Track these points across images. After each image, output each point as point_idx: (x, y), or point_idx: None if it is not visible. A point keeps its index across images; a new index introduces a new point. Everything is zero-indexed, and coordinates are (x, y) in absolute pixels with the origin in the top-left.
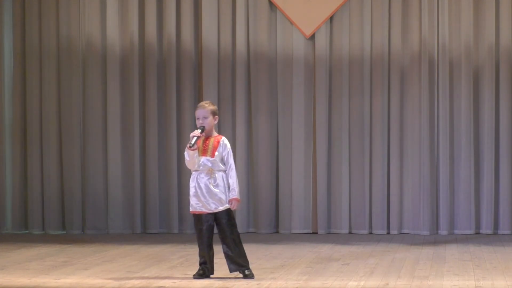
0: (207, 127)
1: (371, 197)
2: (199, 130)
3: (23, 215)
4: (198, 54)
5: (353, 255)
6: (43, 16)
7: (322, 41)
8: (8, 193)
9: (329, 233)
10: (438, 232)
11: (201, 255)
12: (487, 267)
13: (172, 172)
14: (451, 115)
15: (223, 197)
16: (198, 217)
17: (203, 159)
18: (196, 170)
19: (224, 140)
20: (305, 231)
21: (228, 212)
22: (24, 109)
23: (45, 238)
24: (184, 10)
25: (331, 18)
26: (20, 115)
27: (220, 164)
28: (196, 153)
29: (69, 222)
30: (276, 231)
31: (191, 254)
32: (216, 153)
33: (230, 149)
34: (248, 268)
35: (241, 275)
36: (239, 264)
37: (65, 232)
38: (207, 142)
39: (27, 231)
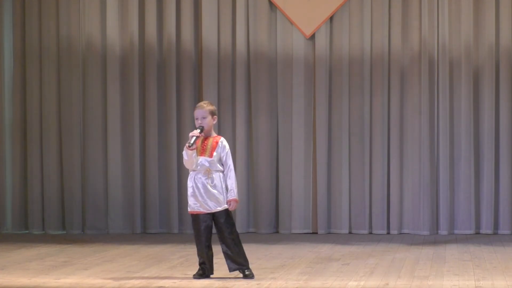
0: (205, 127)
1: (371, 197)
2: (198, 130)
3: (23, 215)
4: (198, 54)
5: (353, 255)
6: (43, 16)
7: (322, 41)
8: (8, 193)
9: (329, 233)
10: (438, 232)
11: (199, 255)
12: (487, 267)
13: (172, 172)
14: (451, 115)
15: (220, 197)
16: (196, 217)
17: (201, 159)
18: (193, 170)
19: (223, 141)
20: (305, 231)
21: (227, 211)
22: (24, 109)
23: (45, 238)
24: (184, 10)
25: (331, 18)
26: (20, 115)
27: (218, 165)
28: (194, 152)
29: (69, 222)
30: (276, 231)
31: (191, 254)
32: (215, 153)
33: (229, 150)
34: (248, 268)
35: (241, 275)
36: (239, 263)
37: (65, 232)
38: (205, 142)
39: (27, 231)
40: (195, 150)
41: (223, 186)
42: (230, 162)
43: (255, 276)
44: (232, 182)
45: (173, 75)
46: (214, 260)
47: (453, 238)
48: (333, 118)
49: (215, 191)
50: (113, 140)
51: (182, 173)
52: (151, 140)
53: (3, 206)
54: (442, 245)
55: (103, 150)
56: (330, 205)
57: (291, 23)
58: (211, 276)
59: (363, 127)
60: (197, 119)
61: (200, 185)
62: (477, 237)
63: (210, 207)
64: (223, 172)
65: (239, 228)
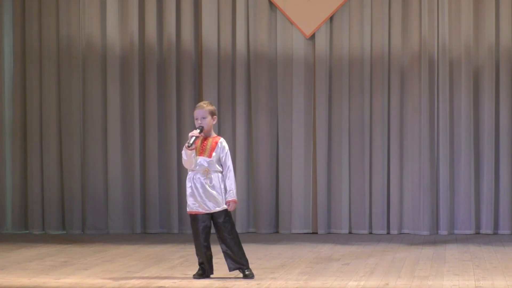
0: (205, 127)
1: (371, 197)
2: (198, 130)
3: (23, 215)
4: (198, 54)
5: (353, 255)
6: (43, 16)
7: (322, 41)
8: (8, 193)
9: (329, 233)
10: (438, 232)
11: (198, 255)
12: (487, 267)
13: (172, 172)
14: (451, 115)
15: (219, 198)
16: (194, 217)
17: (200, 159)
18: (192, 170)
19: (222, 141)
20: (305, 231)
21: (226, 212)
22: (24, 109)
23: (45, 238)
24: (184, 10)
25: (331, 18)
26: (20, 115)
27: (217, 165)
28: (193, 152)
29: (69, 222)
30: (276, 231)
31: (191, 254)
32: (214, 153)
33: (228, 151)
34: (248, 268)
35: (241, 275)
36: (239, 263)
37: (65, 232)
38: (205, 142)
39: (27, 231)
40: (194, 150)
41: (222, 187)
42: (229, 162)
43: (255, 276)
44: (231, 183)
45: (173, 75)
46: (214, 260)
47: (453, 238)
48: (333, 118)
49: (213, 192)
50: (113, 140)
51: (182, 173)
52: (151, 140)
53: (3, 206)
54: (442, 245)
55: (103, 150)
56: (330, 205)
57: (291, 23)
58: (211, 276)
59: (363, 127)
60: (197, 119)
61: (198, 185)
62: (477, 237)
63: (209, 207)
64: (221, 172)
65: (239, 228)
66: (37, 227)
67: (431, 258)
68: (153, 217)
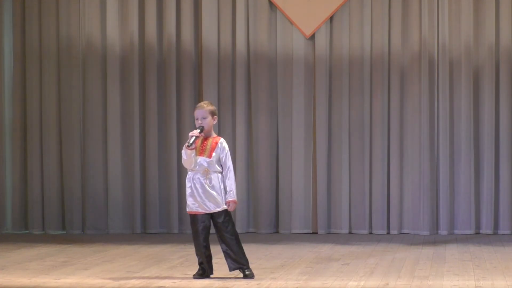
0: (205, 127)
1: (371, 197)
2: (198, 130)
3: (23, 215)
4: (198, 54)
5: (353, 255)
6: (43, 16)
7: (322, 41)
8: (8, 193)
9: (329, 233)
10: (438, 232)
11: (197, 255)
12: (487, 267)
13: (172, 172)
14: (451, 115)
15: (219, 198)
16: (193, 217)
17: (200, 159)
18: (192, 170)
19: (222, 142)
20: (305, 231)
21: (225, 212)
22: (24, 109)
23: (45, 238)
24: (184, 10)
25: (331, 18)
26: (20, 115)
27: (217, 166)
28: (193, 152)
29: (69, 222)
30: (276, 231)
31: (191, 254)
32: (214, 154)
33: (228, 151)
34: (248, 268)
35: (241, 275)
36: (239, 263)
37: (65, 232)
38: (205, 142)
39: (27, 231)
40: (194, 150)
41: (222, 187)
42: (229, 163)
43: (255, 276)
44: (231, 183)
45: (173, 75)
46: (214, 260)
47: (453, 238)
48: (333, 118)
49: (213, 192)
50: (113, 140)
51: (182, 173)
52: (151, 140)
53: (3, 206)
54: (442, 245)
55: (103, 150)
56: (330, 205)
57: (291, 23)
58: (211, 276)
59: (363, 127)
60: (197, 119)
61: (198, 186)
62: (477, 237)
63: (208, 207)
64: (221, 173)
65: (239, 228)
66: (37, 227)
67: (431, 258)
68: (153, 217)
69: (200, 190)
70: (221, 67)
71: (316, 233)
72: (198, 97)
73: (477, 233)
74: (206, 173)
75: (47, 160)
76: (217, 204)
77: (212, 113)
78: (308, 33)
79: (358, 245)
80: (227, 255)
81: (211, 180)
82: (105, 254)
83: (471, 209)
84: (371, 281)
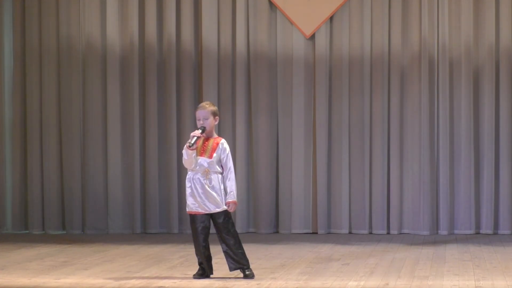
0: (207, 128)
1: (371, 197)
2: (200, 131)
3: (23, 215)
4: (198, 54)
5: (353, 255)
6: (43, 16)
7: (322, 41)
8: (8, 193)
9: (329, 233)
10: (438, 232)
11: (197, 255)
12: (487, 267)
13: (172, 172)
14: (451, 115)
15: (219, 199)
16: (193, 217)
17: (200, 159)
18: (192, 170)
19: (223, 143)
20: (305, 231)
21: (225, 212)
22: (24, 109)
23: (45, 238)
24: (184, 10)
25: (331, 18)
26: (20, 115)
27: (217, 166)
28: (194, 152)
29: (69, 222)
30: (276, 231)
31: (191, 254)
32: (215, 154)
33: (229, 152)
34: (249, 268)
35: (241, 275)
36: (239, 263)
37: (65, 232)
38: (206, 143)
39: (27, 231)
40: (195, 151)
41: (221, 188)
42: (230, 164)
43: (255, 276)
44: (232, 184)
45: (173, 75)
46: (215, 260)
47: (453, 238)
48: (333, 118)
49: (213, 193)
50: (113, 140)
51: (182, 173)
52: (151, 140)
53: (3, 206)
54: (442, 245)
55: (103, 150)
56: (330, 205)
57: (291, 23)
58: (211, 276)
59: (363, 127)
60: (199, 119)
61: (198, 186)
62: (477, 237)
63: (209, 208)
64: (221, 174)
65: (239, 228)
66: (37, 227)
67: (431, 258)
68: (153, 217)
69: (200, 191)
70: (221, 67)
71: (316, 233)
72: (198, 97)
73: (477, 233)
74: (206, 173)
75: (47, 160)
76: (217, 205)
77: (214, 114)
78: (308, 33)
79: (358, 245)
80: (227, 255)
81: (211, 181)
82: (105, 254)
83: (471, 209)
84: (371, 281)
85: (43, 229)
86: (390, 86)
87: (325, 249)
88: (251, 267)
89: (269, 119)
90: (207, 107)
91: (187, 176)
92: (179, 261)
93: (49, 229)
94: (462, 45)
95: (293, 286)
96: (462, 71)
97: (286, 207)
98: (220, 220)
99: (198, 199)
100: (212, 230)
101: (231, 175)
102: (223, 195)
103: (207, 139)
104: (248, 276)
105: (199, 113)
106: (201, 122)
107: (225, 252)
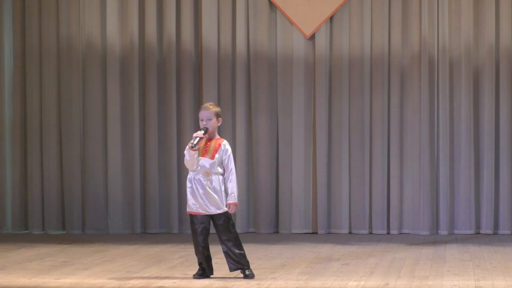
0: (210, 129)
1: (371, 197)
2: (202, 131)
3: (23, 215)
4: (198, 54)
5: (353, 255)
6: (43, 16)
7: (322, 41)
8: (8, 193)
9: (329, 233)
10: (438, 232)
11: (197, 255)
12: (487, 267)
13: (172, 172)
14: (451, 115)
15: (220, 200)
16: (193, 217)
17: (202, 160)
18: (193, 171)
19: (225, 144)
20: (305, 231)
21: (226, 213)
22: (24, 109)
23: (45, 238)
24: (184, 10)
25: (331, 18)
26: (20, 115)
27: (218, 167)
28: (196, 153)
29: (69, 222)
30: (276, 231)
31: (191, 254)
32: (216, 155)
33: (231, 154)
34: (249, 268)
35: (241, 275)
36: (240, 263)
37: (65, 232)
38: (208, 143)
39: (27, 231)
40: (197, 151)
41: (222, 189)
42: (232, 165)
43: (255, 276)
44: (233, 186)
45: (173, 75)
46: (215, 260)
47: (453, 238)
48: (333, 118)
49: (214, 194)
50: (113, 140)
51: (182, 173)
52: (151, 140)
53: (3, 206)
54: (442, 245)
55: (103, 150)
56: (330, 205)
57: (291, 23)
58: (211, 276)
59: (363, 127)
60: (202, 120)
61: (199, 186)
62: (477, 237)
63: (210, 210)
64: (222, 175)
65: (239, 228)
66: (37, 227)
67: (431, 258)
68: (153, 217)
69: (201, 191)
70: (221, 67)
71: (316, 233)
72: (198, 97)
73: (477, 233)
74: (207, 174)
75: (47, 160)
76: (217, 207)
77: (217, 115)
78: (308, 33)
79: (358, 245)
80: (227, 256)
81: (212, 182)
82: (105, 254)
83: (471, 209)
84: (371, 281)
85: (43, 229)
86: (390, 86)
87: (325, 249)
88: (251, 267)
89: (269, 119)
90: (211, 108)
91: (188, 176)
92: (179, 261)
93: (49, 229)
94: (462, 45)
95: (293, 286)
96: (462, 71)
97: (286, 207)
98: (221, 222)
99: (200, 200)
100: (212, 230)
101: (233, 177)
102: (223, 197)
103: (209, 140)
104: (248, 276)
105: (203, 114)
106: (204, 122)
107: (225, 253)
